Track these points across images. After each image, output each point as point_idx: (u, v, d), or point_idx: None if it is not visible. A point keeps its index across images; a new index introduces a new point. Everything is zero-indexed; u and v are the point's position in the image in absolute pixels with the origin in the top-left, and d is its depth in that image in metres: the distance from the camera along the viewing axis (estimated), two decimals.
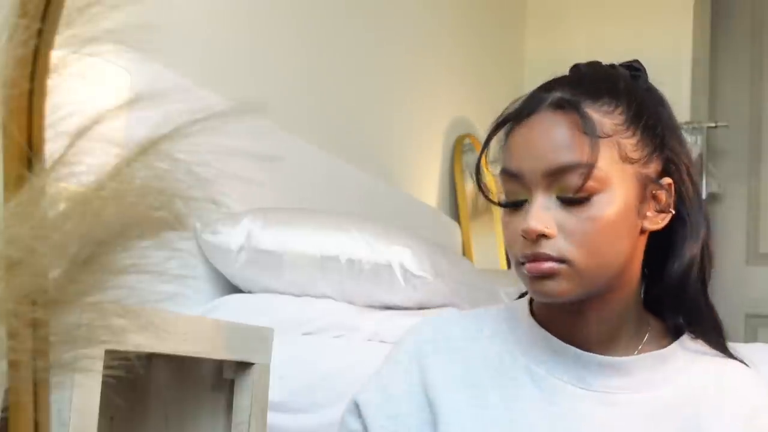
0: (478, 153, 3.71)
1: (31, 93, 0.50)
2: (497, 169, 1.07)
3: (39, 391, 0.52)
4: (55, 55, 0.53)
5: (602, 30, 3.91)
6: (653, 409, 1.02)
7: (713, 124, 3.86)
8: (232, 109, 0.55)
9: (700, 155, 3.77)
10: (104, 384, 1.01)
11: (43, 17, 0.50)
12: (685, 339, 1.08)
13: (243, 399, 1.31)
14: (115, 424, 1.31)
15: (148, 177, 0.52)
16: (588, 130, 0.99)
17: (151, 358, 1.20)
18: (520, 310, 1.12)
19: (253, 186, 2.09)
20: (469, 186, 3.49)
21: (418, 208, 2.93)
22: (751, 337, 3.82)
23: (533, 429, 1.02)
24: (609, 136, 1.00)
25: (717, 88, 4.09)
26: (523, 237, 0.99)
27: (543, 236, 0.98)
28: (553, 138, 1.00)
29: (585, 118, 0.99)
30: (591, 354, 1.04)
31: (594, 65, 1.09)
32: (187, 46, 2.00)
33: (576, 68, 1.10)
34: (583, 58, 1.15)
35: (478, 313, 1.15)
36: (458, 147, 3.45)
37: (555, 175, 0.99)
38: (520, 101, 1.06)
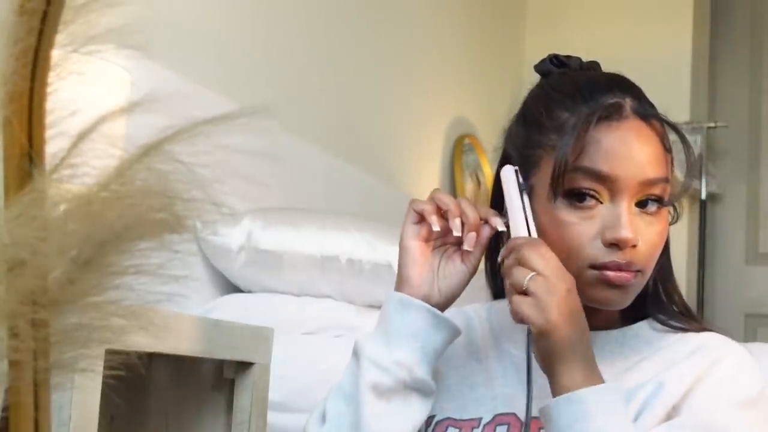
0: (477, 153, 3.68)
1: (31, 92, 0.50)
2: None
3: (39, 391, 0.52)
4: (55, 54, 0.53)
5: (602, 30, 3.91)
6: (622, 379, 1.03)
7: (713, 124, 3.86)
8: (236, 111, 0.55)
9: (700, 155, 3.77)
10: (104, 384, 1.01)
11: (44, 16, 0.50)
12: (653, 319, 1.10)
13: (243, 399, 1.31)
14: (115, 424, 1.31)
15: (150, 179, 0.52)
16: (668, 146, 1.04)
17: (151, 358, 1.20)
18: (504, 302, 1.14)
19: (255, 186, 2.09)
20: (469, 186, 3.49)
21: None
22: (750, 337, 3.82)
23: (512, 404, 1.06)
24: (670, 151, 1.04)
25: (716, 88, 4.09)
26: (612, 244, 0.99)
27: (633, 245, 1.00)
28: (648, 149, 1.01)
29: (666, 134, 1.04)
30: None
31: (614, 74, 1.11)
32: (188, 46, 1.99)
33: (591, 68, 1.11)
34: (584, 58, 1.15)
35: (464, 309, 1.18)
36: (458, 147, 3.45)
37: (647, 186, 1.01)
38: (584, 98, 1.03)
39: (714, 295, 3.96)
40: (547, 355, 0.94)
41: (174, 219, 0.52)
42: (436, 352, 1.03)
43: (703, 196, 3.86)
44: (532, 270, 0.94)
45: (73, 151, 0.52)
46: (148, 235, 0.52)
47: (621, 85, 1.06)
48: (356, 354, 1.04)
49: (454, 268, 1.04)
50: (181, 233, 0.53)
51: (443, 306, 1.04)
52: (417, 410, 1.02)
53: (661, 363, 1.04)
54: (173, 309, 1.10)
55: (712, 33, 4.07)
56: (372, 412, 0.99)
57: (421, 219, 1.04)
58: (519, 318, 0.95)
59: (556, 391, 0.94)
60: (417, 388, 1.01)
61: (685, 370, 1.01)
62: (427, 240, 1.05)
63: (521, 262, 0.95)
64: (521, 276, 0.95)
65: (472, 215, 1.02)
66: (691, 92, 3.86)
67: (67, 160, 0.51)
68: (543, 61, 1.13)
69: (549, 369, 0.95)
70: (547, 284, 0.94)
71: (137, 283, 0.53)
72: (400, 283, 1.04)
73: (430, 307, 1.02)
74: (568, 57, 1.12)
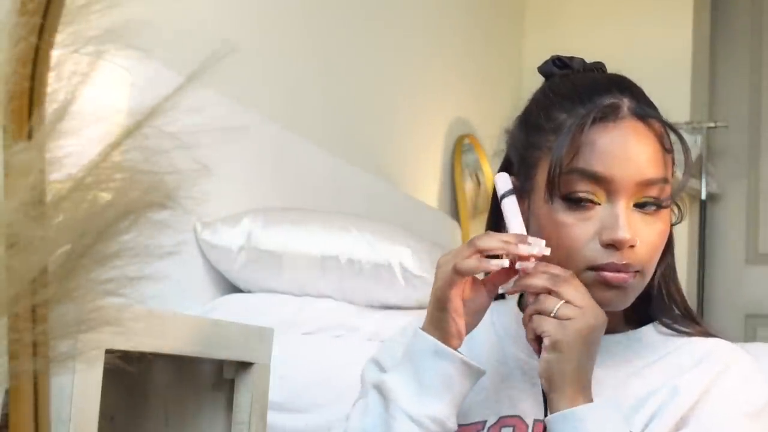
0: (477, 153, 3.68)
1: (31, 92, 0.50)
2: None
3: (39, 390, 0.52)
4: (55, 54, 0.53)
5: (602, 30, 3.91)
6: (627, 384, 1.03)
7: (713, 124, 3.87)
8: (203, 63, 0.55)
9: (700, 155, 3.78)
10: (104, 383, 1.01)
11: (44, 16, 0.50)
12: (658, 323, 1.10)
13: (243, 399, 1.31)
14: (115, 424, 1.31)
15: (137, 158, 0.52)
16: (667, 146, 1.03)
17: (151, 358, 1.20)
18: (508, 306, 1.14)
19: (249, 177, 2.09)
20: (469, 186, 3.49)
21: (418, 208, 2.94)
22: (750, 337, 3.82)
23: (516, 406, 1.05)
24: (670, 152, 1.04)
25: (717, 88, 4.09)
26: (609, 245, 0.99)
27: (631, 246, 0.99)
28: (645, 149, 1.01)
29: (667, 134, 1.03)
30: None
31: (616, 75, 1.10)
32: (188, 46, 1.99)
33: (594, 69, 1.11)
34: (585, 59, 1.15)
35: None
36: (458, 147, 3.45)
37: (644, 187, 1.00)
38: (582, 99, 1.03)
39: (714, 295, 3.96)
40: (552, 372, 0.96)
41: (163, 195, 0.52)
42: (463, 398, 1.02)
43: (703, 196, 3.86)
44: (566, 299, 0.96)
45: (68, 141, 0.52)
46: (140, 216, 0.52)
47: (620, 85, 1.05)
48: (385, 397, 1.02)
49: (479, 301, 1.03)
50: (173, 209, 0.53)
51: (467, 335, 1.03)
52: None
53: (668, 369, 1.04)
54: (173, 308, 1.10)
55: (712, 33, 4.07)
56: None
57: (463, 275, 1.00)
58: (535, 334, 0.97)
59: (552, 408, 0.96)
60: None
61: (693, 380, 1.01)
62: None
63: (555, 293, 0.96)
64: (552, 303, 0.96)
65: (522, 246, 0.99)
66: (691, 92, 3.86)
67: (63, 154, 0.51)
68: (546, 62, 1.13)
69: (551, 386, 0.96)
70: (577, 312, 0.95)
71: (133, 266, 0.53)
72: (435, 329, 1.01)
73: (464, 357, 1.01)
74: (571, 58, 1.12)
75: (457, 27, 3.50)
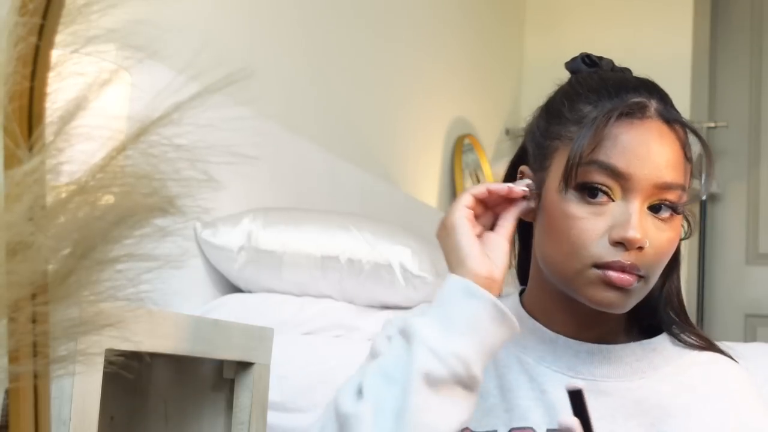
0: (477, 153, 3.67)
1: (31, 92, 0.50)
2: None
3: (39, 390, 0.52)
4: (56, 54, 0.53)
5: (602, 30, 3.91)
6: (641, 397, 1.02)
7: (713, 125, 3.87)
8: (217, 82, 0.55)
9: (700, 155, 3.77)
10: (104, 383, 1.01)
11: (44, 16, 0.50)
12: (671, 332, 1.09)
13: (243, 399, 1.31)
14: (115, 424, 1.31)
15: (140, 164, 0.52)
16: (689, 154, 1.02)
17: (151, 358, 1.20)
18: (510, 303, 1.11)
19: (249, 177, 2.09)
20: (469, 186, 3.49)
21: (418, 208, 2.93)
22: (750, 337, 3.82)
23: (527, 417, 1.03)
24: (691, 161, 1.03)
25: (717, 88, 4.09)
26: (618, 243, 0.97)
27: (640, 248, 0.97)
28: (667, 152, 1.00)
29: (689, 143, 1.02)
30: (580, 342, 1.05)
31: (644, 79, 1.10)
32: (188, 47, 1.99)
33: (622, 71, 1.10)
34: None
35: None
36: (458, 147, 3.45)
37: (662, 190, 0.99)
38: (610, 94, 1.03)
39: (714, 295, 3.96)
40: None
41: (166, 201, 0.52)
42: (492, 350, 0.96)
43: (703, 196, 3.87)
44: None
45: (68, 143, 0.52)
46: (143, 221, 0.52)
47: (649, 87, 1.05)
48: (406, 335, 0.95)
49: (493, 241, 1.01)
50: (175, 214, 0.53)
51: (502, 279, 0.99)
52: (464, 408, 0.94)
53: (679, 386, 1.03)
54: (173, 309, 1.10)
55: (712, 33, 4.07)
56: (422, 402, 0.91)
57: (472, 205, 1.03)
58: None
59: None
60: (467, 384, 0.94)
61: (706, 412, 1.00)
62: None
63: None
64: None
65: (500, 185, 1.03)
66: (691, 92, 3.86)
67: (63, 155, 0.51)
68: (574, 59, 1.11)
69: None
70: None
71: (134, 270, 0.53)
72: (460, 264, 0.99)
73: (496, 300, 0.95)
74: (600, 58, 1.10)
75: (458, 27, 3.50)
